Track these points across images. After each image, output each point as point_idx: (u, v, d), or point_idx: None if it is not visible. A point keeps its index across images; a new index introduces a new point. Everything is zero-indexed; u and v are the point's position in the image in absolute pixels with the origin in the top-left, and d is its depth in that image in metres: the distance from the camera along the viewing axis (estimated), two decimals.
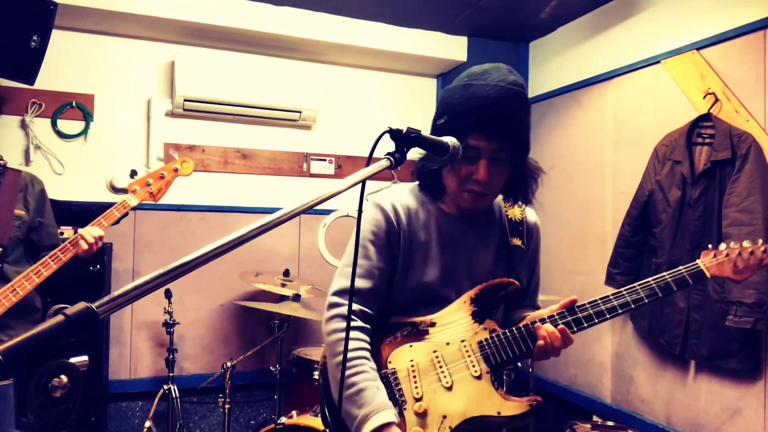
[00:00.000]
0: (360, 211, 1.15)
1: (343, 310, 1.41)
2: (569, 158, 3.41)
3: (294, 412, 2.55)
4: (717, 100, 2.50)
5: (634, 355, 2.91)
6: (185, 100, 3.29)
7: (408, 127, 1.09)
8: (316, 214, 3.68)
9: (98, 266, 2.19)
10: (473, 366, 1.35)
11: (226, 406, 2.97)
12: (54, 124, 3.16)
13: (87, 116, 3.23)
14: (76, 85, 3.22)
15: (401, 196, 1.51)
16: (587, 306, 1.37)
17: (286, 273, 3.22)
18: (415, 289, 1.46)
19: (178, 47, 3.40)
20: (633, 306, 1.35)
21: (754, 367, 2.34)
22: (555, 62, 3.60)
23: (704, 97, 2.55)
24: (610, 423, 2.77)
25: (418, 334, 1.41)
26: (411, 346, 1.39)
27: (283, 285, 3.10)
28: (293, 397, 2.86)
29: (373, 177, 1.02)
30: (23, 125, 3.11)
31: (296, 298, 3.05)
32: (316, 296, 3.14)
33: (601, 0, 3.18)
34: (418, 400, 1.34)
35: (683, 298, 2.53)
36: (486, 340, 1.38)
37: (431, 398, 1.34)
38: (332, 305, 1.44)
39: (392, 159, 1.05)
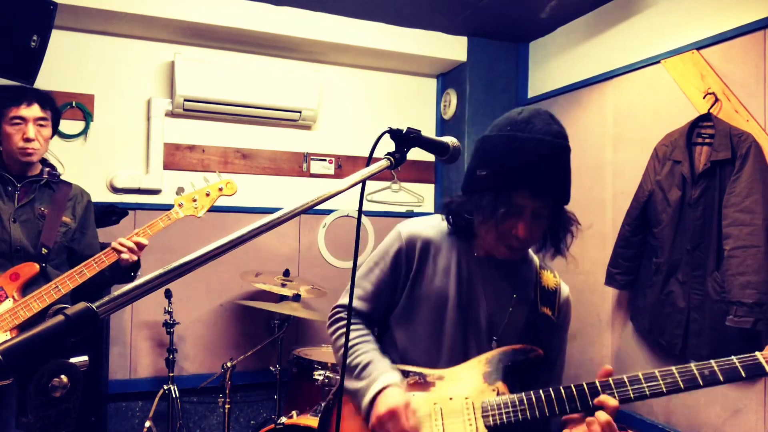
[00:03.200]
0: (360, 212, 1.15)
1: (343, 314, 1.50)
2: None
3: (294, 412, 2.55)
4: (717, 100, 2.50)
5: (634, 355, 2.91)
6: (185, 100, 3.29)
7: (408, 127, 1.09)
8: (316, 214, 3.68)
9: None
10: (470, 425, 1.30)
11: (226, 406, 2.97)
12: None
13: (87, 116, 3.23)
14: (76, 85, 3.22)
15: (427, 228, 1.47)
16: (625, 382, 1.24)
17: (286, 273, 3.22)
18: (425, 327, 1.43)
19: (178, 47, 3.39)
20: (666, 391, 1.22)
21: None
22: (555, 62, 3.60)
23: (704, 97, 2.55)
24: None
25: (425, 384, 1.38)
26: (414, 395, 1.36)
27: (283, 285, 3.09)
28: (293, 397, 2.86)
29: (373, 177, 1.02)
30: None
31: (296, 298, 3.05)
32: (316, 296, 3.14)
33: (601, 0, 3.18)
34: None
35: (683, 298, 2.53)
36: (490, 400, 1.31)
37: None
38: (331, 316, 1.53)
39: (392, 159, 1.05)
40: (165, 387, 3.01)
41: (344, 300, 1.52)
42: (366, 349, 1.41)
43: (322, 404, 2.58)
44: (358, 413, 1.39)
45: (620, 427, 2.81)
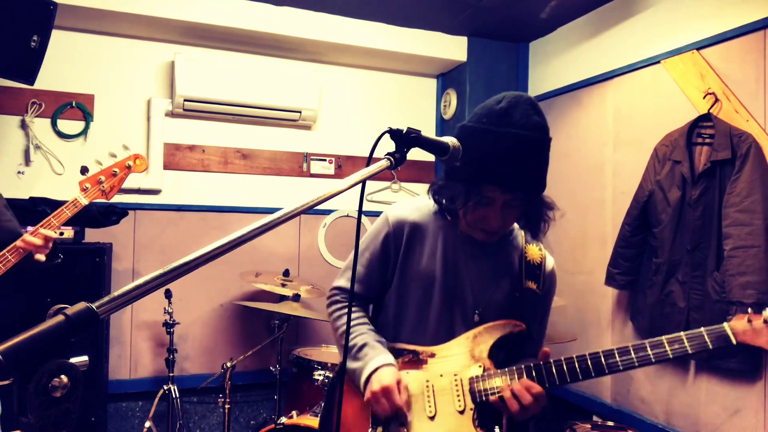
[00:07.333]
0: (360, 212, 1.15)
1: (339, 297, 1.57)
2: (569, 158, 3.41)
3: (294, 412, 2.55)
4: (717, 100, 2.50)
5: None
6: (185, 100, 3.29)
7: (408, 128, 1.09)
8: (316, 214, 3.68)
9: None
10: (459, 400, 1.37)
11: (226, 406, 2.97)
12: (54, 124, 3.16)
13: (87, 116, 3.23)
14: (76, 85, 3.22)
15: (413, 211, 1.51)
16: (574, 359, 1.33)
17: (286, 273, 3.22)
18: (414, 306, 1.48)
19: (178, 47, 3.39)
20: (621, 368, 1.32)
21: (754, 367, 2.34)
22: (555, 62, 3.60)
23: (704, 97, 2.55)
24: (610, 423, 2.77)
25: (418, 362, 1.45)
26: (407, 373, 1.43)
27: (283, 285, 3.10)
28: (293, 397, 2.86)
29: (373, 177, 1.02)
30: (23, 125, 3.11)
31: (296, 298, 3.05)
32: (316, 296, 3.14)
33: (601, 0, 3.18)
34: (401, 424, 1.39)
35: (683, 298, 2.53)
36: (477, 376, 1.38)
37: (412, 424, 1.38)
38: (329, 297, 1.60)
39: (392, 159, 1.05)
40: (165, 387, 3.01)
41: (339, 282, 1.59)
42: (361, 331, 1.49)
43: (322, 404, 2.58)
44: (356, 391, 1.46)
45: (620, 427, 2.83)
